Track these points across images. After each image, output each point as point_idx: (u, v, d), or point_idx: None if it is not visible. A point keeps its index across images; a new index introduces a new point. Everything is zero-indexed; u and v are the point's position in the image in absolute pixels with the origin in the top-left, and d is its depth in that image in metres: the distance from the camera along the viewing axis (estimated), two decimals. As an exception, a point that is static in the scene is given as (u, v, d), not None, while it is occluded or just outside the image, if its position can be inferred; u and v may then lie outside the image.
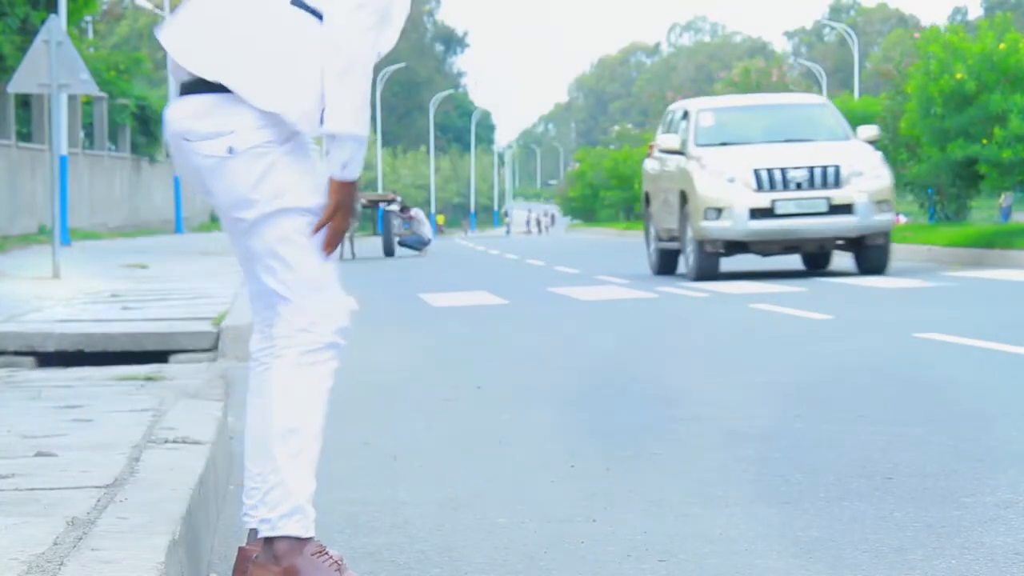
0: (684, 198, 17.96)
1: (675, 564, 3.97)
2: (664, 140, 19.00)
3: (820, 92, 61.15)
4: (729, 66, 69.33)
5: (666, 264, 19.48)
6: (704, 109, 19.49)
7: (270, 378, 3.51)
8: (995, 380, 7.76)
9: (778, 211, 17.45)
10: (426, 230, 32.82)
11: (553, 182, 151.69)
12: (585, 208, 79.74)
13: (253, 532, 3.56)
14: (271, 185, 3.44)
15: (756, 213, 17.43)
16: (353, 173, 3.44)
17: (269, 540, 3.47)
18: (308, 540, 3.48)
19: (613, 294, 15.63)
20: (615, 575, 3.90)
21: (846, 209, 17.53)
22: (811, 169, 17.55)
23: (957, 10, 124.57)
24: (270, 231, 3.46)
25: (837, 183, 17.53)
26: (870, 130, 18.74)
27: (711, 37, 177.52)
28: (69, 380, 7.50)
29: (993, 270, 19.40)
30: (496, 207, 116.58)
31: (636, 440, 6.04)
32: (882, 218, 17.75)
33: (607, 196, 67.29)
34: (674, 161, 18.77)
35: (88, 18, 46.30)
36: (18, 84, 17.02)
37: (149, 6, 56.57)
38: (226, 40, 3.43)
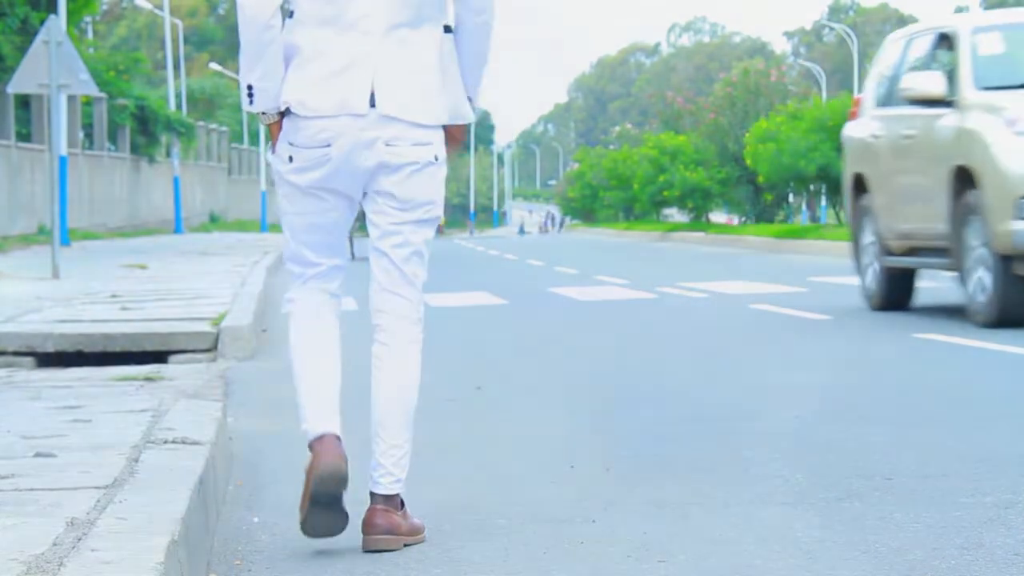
0: (963, 180, 10.61)
1: (675, 565, 3.96)
2: (918, 81, 11.17)
3: (820, 93, 61.12)
4: (728, 67, 69.33)
5: (896, 291, 12.12)
6: (984, 28, 11.50)
7: (406, 356, 4.25)
8: (995, 380, 7.76)
9: None
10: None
11: (552, 182, 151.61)
12: (584, 208, 79.64)
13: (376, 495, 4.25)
14: (440, 192, 4.28)
15: None
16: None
17: (391, 495, 4.22)
18: None
19: (613, 294, 15.62)
20: (615, 576, 3.90)
21: None
22: None
23: (958, 10, 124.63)
24: (424, 232, 4.27)
25: None
26: None
27: (711, 37, 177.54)
28: (68, 381, 7.50)
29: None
30: (496, 207, 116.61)
31: (636, 440, 6.04)
32: None
33: (606, 196, 67.18)
34: (931, 118, 11.20)
35: (88, 18, 46.31)
36: (18, 84, 17.02)
37: (148, 6, 56.54)
38: (427, 79, 4.19)
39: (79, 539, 3.40)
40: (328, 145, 4.13)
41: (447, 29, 4.22)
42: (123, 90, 41.85)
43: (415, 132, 4.16)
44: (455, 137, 4.30)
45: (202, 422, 5.45)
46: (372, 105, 4.12)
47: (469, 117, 4.27)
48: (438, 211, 4.27)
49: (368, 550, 4.15)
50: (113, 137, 42.92)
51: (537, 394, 7.70)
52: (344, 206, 4.27)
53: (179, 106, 51.65)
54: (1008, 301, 10.20)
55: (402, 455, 4.22)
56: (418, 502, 4.84)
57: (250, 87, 4.13)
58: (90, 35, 51.35)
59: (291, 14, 4.16)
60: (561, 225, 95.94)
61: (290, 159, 4.19)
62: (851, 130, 13.01)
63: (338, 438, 4.16)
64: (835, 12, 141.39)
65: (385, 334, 4.24)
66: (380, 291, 4.26)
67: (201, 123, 57.64)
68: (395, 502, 4.21)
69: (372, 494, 4.22)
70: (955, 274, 11.05)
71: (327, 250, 4.32)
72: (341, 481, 4.10)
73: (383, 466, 4.20)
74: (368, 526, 4.17)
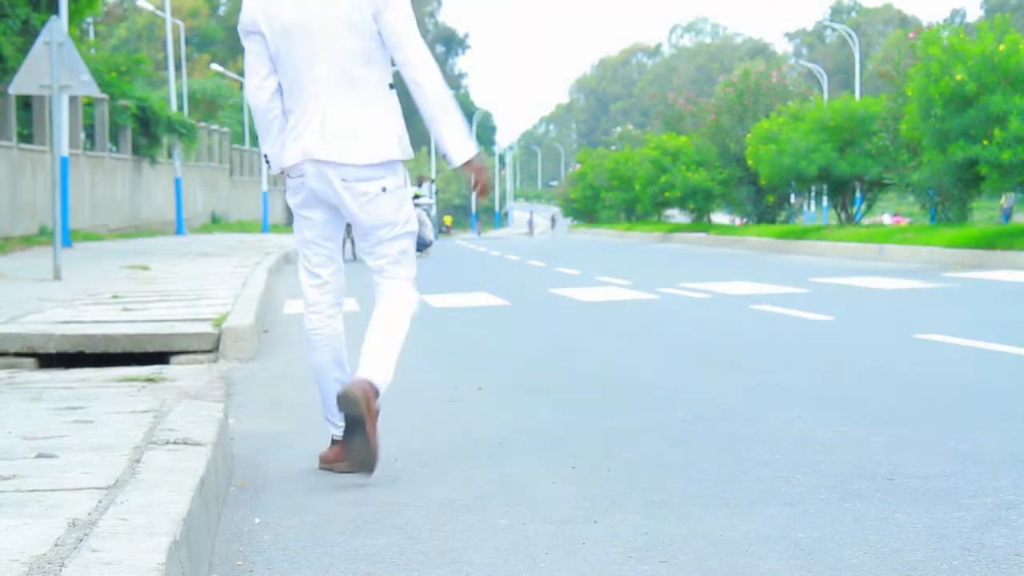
0: None
1: (676, 565, 3.97)
2: None
3: (821, 94, 61.04)
4: (730, 67, 69.29)
5: None
6: None
7: (400, 301, 5.47)
8: (995, 381, 7.76)
9: None
10: (427, 232, 32.85)
11: (554, 183, 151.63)
12: (586, 209, 79.73)
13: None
14: (403, 214, 5.45)
15: None
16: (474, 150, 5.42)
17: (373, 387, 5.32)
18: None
19: (614, 295, 15.62)
20: (616, 576, 3.90)
21: None
22: None
23: (956, 11, 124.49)
24: (397, 245, 5.47)
25: None
26: None
27: (712, 38, 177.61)
28: (70, 381, 7.50)
29: (994, 271, 19.42)
30: (497, 208, 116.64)
31: (637, 441, 6.04)
32: None
33: (608, 197, 67.26)
34: None
35: (89, 19, 46.32)
36: (19, 85, 17.02)
37: (149, 7, 56.57)
38: (364, 128, 5.32)
39: (81, 540, 3.40)
40: (303, 175, 5.43)
41: (391, 86, 5.39)
42: (124, 91, 41.87)
43: (359, 171, 5.34)
44: (478, 172, 5.36)
45: (204, 423, 5.46)
46: (322, 151, 5.33)
47: (409, 154, 5.37)
48: (406, 228, 5.46)
49: (344, 392, 5.25)
50: (114, 138, 42.93)
51: (538, 395, 7.70)
52: (326, 218, 5.49)
53: (180, 107, 51.67)
54: None
55: (385, 368, 5.34)
56: (419, 502, 4.85)
57: (266, 156, 5.52)
58: (91, 36, 51.36)
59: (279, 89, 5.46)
60: (551, 225, 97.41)
61: (286, 188, 5.54)
62: None
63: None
64: (837, 13, 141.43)
65: (386, 286, 5.48)
66: (376, 274, 5.53)
67: (202, 124, 57.65)
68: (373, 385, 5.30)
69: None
70: None
71: (325, 260, 5.55)
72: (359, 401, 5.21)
73: (367, 368, 5.31)
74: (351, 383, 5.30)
